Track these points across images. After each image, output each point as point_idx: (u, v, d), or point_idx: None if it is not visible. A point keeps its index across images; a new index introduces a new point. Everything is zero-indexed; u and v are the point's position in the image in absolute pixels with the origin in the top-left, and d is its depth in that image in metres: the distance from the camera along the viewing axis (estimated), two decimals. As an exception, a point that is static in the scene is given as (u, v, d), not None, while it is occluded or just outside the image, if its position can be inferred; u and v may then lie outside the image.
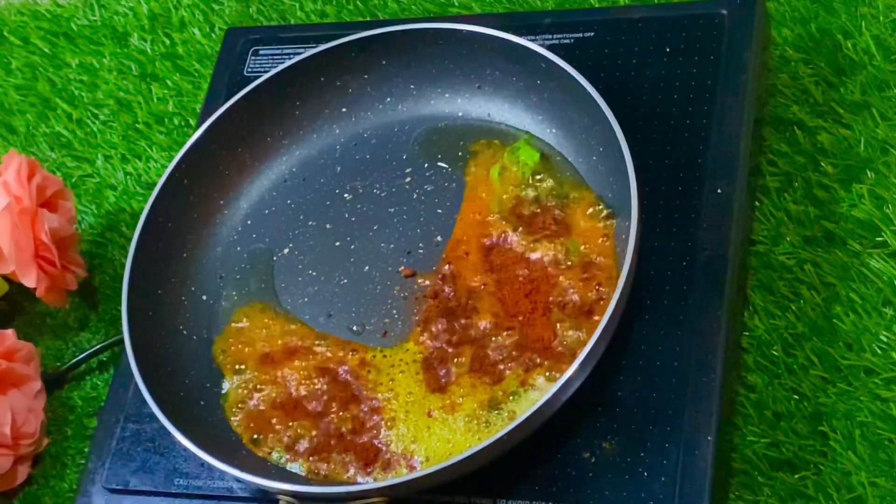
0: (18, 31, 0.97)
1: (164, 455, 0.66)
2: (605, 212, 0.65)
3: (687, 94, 0.67)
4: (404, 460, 0.61)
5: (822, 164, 0.68)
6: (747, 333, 0.65)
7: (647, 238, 0.63)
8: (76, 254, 0.82)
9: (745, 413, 0.63)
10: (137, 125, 0.89)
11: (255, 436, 0.64)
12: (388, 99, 0.74)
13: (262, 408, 0.65)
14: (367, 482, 0.61)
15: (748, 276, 0.66)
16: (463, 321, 0.64)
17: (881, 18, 0.72)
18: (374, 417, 0.63)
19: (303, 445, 0.63)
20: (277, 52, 0.78)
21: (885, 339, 0.62)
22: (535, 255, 0.65)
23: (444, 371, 0.63)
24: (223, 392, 0.66)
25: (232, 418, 0.65)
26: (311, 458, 0.63)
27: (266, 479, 0.60)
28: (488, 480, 0.60)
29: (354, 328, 0.66)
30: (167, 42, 0.92)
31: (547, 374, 0.61)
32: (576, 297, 0.63)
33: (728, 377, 0.60)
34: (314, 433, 0.63)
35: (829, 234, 0.67)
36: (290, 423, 0.64)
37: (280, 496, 0.59)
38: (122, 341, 0.66)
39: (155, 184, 0.72)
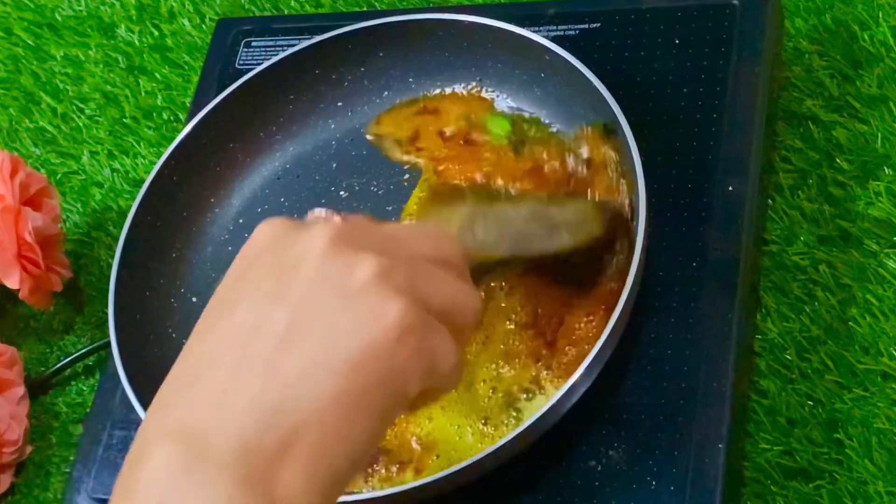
0: (0, 22, 0.97)
1: (152, 463, 0.66)
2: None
3: (697, 88, 0.67)
4: (409, 463, 0.61)
5: (838, 160, 0.68)
6: (760, 336, 0.65)
7: (656, 237, 0.63)
8: (61, 254, 0.81)
9: (758, 419, 0.63)
10: (125, 120, 0.88)
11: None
12: (386, 93, 0.74)
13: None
14: (368, 492, 0.61)
15: (760, 277, 0.66)
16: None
17: (899, 9, 0.72)
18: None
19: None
20: (270, 43, 0.79)
21: (902, 343, 0.62)
22: None
23: None
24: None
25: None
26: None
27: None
28: (491, 489, 0.60)
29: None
30: (156, 33, 0.92)
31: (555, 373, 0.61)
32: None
33: (740, 382, 0.60)
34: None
35: (844, 234, 0.67)
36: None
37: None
38: (108, 345, 0.66)
39: (143, 181, 0.72)
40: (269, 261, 0.44)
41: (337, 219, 0.47)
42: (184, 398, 0.41)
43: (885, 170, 0.67)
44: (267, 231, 0.45)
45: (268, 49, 0.78)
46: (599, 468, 0.59)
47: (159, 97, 0.88)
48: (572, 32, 0.72)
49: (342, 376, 0.40)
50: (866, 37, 0.71)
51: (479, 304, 0.47)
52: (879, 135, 0.68)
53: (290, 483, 0.39)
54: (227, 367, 0.41)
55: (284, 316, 0.41)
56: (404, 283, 0.42)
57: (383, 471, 0.61)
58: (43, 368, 0.80)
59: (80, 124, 0.90)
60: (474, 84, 0.72)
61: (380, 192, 0.71)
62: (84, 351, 0.79)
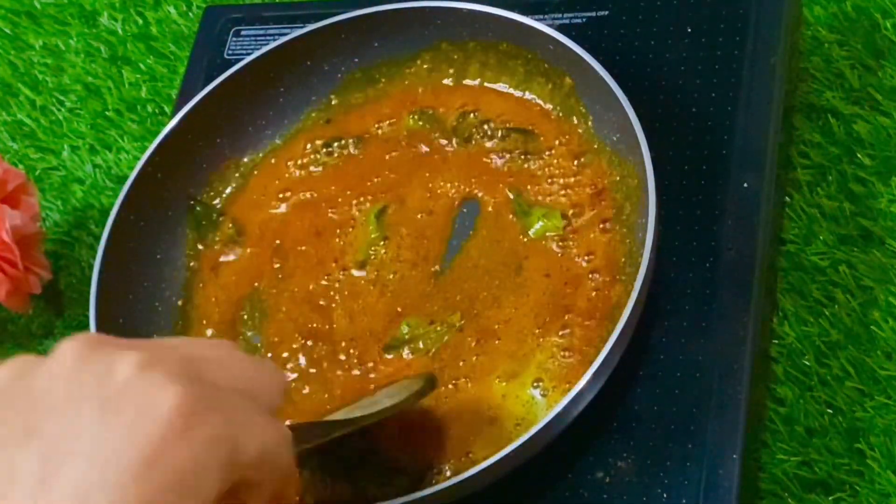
0: (-24, 10, 0.98)
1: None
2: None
3: (710, 79, 0.67)
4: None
5: (859, 155, 0.68)
6: (776, 341, 0.65)
7: (666, 237, 0.63)
8: (40, 254, 0.81)
9: (775, 429, 0.63)
10: (107, 113, 0.88)
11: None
12: (381, 85, 0.74)
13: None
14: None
15: (777, 278, 0.66)
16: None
17: (924, -5, 0.72)
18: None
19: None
20: (261, 32, 0.79)
21: (927, 348, 0.62)
22: None
23: None
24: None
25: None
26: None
27: None
28: (493, 502, 0.59)
29: (345, 335, 0.67)
30: (140, 21, 0.92)
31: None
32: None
33: (755, 389, 0.60)
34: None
35: (866, 233, 0.66)
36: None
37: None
38: (90, 350, 0.65)
39: (126, 177, 0.72)
40: (14, 393, 0.39)
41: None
42: None
43: (909, 165, 0.67)
44: (3, 372, 0.40)
45: (258, 38, 0.78)
46: (608, 480, 0.59)
47: (143, 89, 0.88)
48: (578, 20, 0.72)
49: (119, 493, 0.36)
50: (889, 25, 0.71)
51: (283, 380, 0.43)
52: (902, 128, 0.68)
53: None
54: None
55: (37, 451, 0.37)
56: (178, 367, 0.38)
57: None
58: (21, 375, 0.80)
59: (61, 117, 0.90)
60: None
61: (375, 190, 0.72)
62: (64, 357, 0.79)
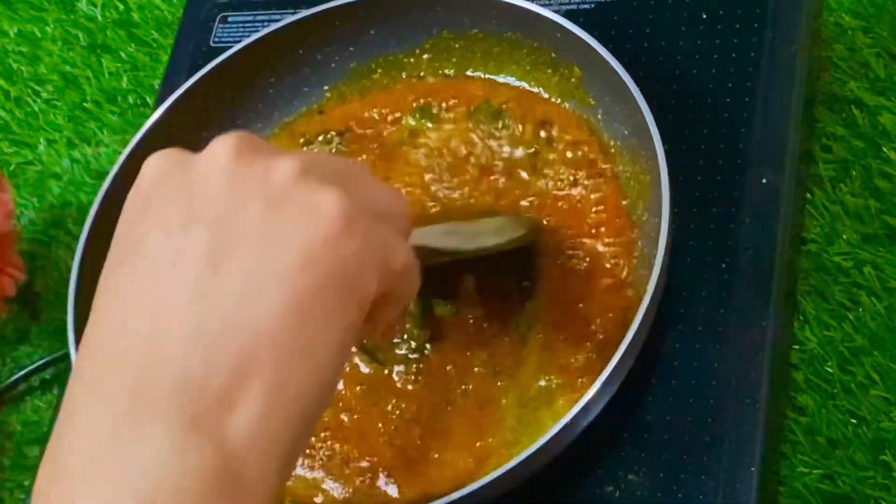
0: (-53, -4, 0.98)
1: (117, 489, 0.66)
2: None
3: (727, 68, 0.67)
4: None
5: (885, 149, 0.68)
6: (797, 347, 0.65)
7: (681, 236, 0.63)
8: (14, 254, 0.81)
9: (795, 440, 0.63)
10: (86, 104, 0.89)
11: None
12: (377, 76, 0.74)
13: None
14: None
15: (798, 280, 0.66)
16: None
17: (953, -21, 0.72)
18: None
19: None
20: (249, 18, 0.79)
21: (956, 354, 0.62)
22: None
23: None
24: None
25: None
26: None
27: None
28: (497, 518, 0.59)
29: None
30: (121, 7, 0.92)
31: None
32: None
33: (775, 398, 0.60)
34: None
35: (892, 232, 0.66)
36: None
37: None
38: (67, 356, 0.65)
39: (106, 172, 0.72)
40: (169, 187, 0.42)
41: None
42: (111, 345, 0.39)
43: (937, 160, 0.68)
44: (158, 161, 0.43)
45: (246, 25, 0.79)
46: (617, 494, 0.59)
47: (124, 79, 0.88)
48: (587, 6, 0.72)
49: (287, 283, 0.39)
50: (917, 11, 0.72)
51: (409, 207, 0.46)
52: (931, 121, 0.68)
53: (244, 423, 0.37)
54: (150, 305, 0.39)
55: (203, 236, 0.40)
56: (330, 176, 0.41)
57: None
58: (-6, 382, 0.80)
59: (36, 109, 0.90)
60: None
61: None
62: (40, 363, 0.79)
